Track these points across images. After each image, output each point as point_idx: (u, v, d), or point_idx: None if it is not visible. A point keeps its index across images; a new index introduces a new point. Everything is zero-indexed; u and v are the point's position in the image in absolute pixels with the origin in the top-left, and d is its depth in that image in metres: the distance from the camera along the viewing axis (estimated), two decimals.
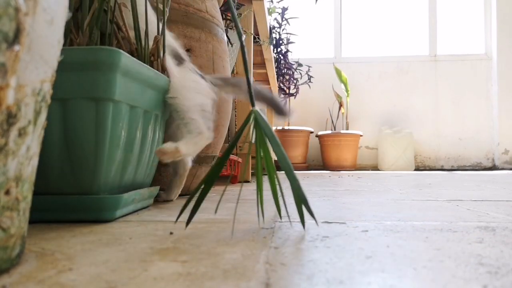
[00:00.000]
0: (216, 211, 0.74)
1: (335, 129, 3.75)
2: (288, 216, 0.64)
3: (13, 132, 0.31)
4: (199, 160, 1.08)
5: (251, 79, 0.80)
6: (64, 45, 0.57)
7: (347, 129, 3.73)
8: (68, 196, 0.62)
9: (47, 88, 0.37)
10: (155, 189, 0.84)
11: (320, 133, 3.64)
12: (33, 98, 0.34)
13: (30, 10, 0.31)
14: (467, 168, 3.76)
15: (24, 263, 0.37)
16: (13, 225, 0.33)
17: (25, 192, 0.35)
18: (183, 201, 0.91)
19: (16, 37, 0.30)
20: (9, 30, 0.29)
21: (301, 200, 0.54)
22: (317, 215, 0.69)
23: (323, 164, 3.68)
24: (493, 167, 3.71)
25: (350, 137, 3.56)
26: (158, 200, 0.93)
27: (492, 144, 3.74)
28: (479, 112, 3.77)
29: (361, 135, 3.63)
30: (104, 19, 0.82)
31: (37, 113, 0.35)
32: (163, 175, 1.03)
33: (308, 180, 1.84)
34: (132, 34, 0.83)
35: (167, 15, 0.91)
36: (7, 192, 0.32)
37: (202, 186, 0.55)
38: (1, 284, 0.32)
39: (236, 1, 1.69)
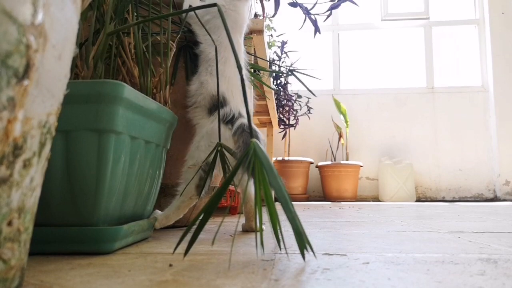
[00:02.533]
0: (213, 243, 0.73)
1: (335, 160, 3.76)
2: (285, 248, 0.64)
3: (18, 164, 0.32)
4: None
5: (251, 111, 0.81)
6: (69, 78, 0.58)
7: (347, 159, 3.73)
8: (68, 228, 0.62)
9: (53, 121, 0.38)
10: (154, 220, 0.84)
11: (320, 163, 3.64)
12: (39, 130, 0.35)
13: (40, 47, 0.32)
14: (468, 199, 3.73)
15: None
16: (14, 256, 0.33)
17: (27, 223, 0.35)
18: (182, 233, 0.90)
19: (25, 73, 0.31)
20: (20, 66, 0.30)
21: (299, 232, 0.53)
22: (318, 246, 0.68)
23: (323, 195, 3.66)
24: (495, 198, 3.69)
25: (350, 167, 3.55)
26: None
27: (492, 175, 3.73)
28: (478, 143, 3.79)
29: (361, 166, 3.63)
30: (109, 53, 0.85)
31: (42, 145, 0.36)
32: (163, 207, 1.02)
33: (309, 211, 1.83)
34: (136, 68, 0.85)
35: None
36: (10, 223, 0.32)
37: (201, 217, 0.55)
38: None
39: None
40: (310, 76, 1.22)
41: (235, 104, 0.93)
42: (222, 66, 0.94)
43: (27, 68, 0.31)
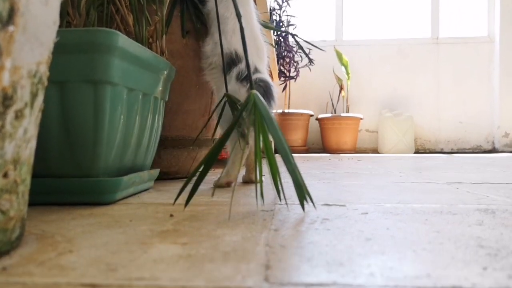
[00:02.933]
0: (213, 194, 0.74)
1: (335, 112, 3.74)
2: (285, 199, 0.64)
3: (10, 115, 0.31)
4: (199, 143, 1.08)
5: (251, 61, 0.79)
6: (60, 26, 0.56)
7: (347, 112, 3.72)
8: (68, 179, 0.62)
9: (43, 70, 0.36)
10: (155, 172, 0.84)
11: (320, 116, 3.63)
12: (29, 80, 0.33)
13: None
14: (467, 151, 3.76)
15: (25, 246, 0.38)
16: (12, 207, 0.33)
17: (24, 175, 0.35)
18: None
19: (10, 18, 0.29)
20: (3, 10, 0.29)
21: (298, 183, 0.53)
22: (317, 197, 0.69)
23: (323, 147, 3.68)
24: (493, 150, 3.71)
25: (350, 120, 3.54)
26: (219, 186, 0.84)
27: (492, 127, 3.73)
28: (480, 95, 3.75)
29: (361, 118, 3.62)
30: (102, 0, 0.81)
31: (33, 96, 0.35)
32: (163, 158, 1.03)
33: (308, 163, 1.85)
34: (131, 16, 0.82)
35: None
36: (5, 175, 0.32)
37: (201, 168, 0.55)
38: (1, 266, 0.32)
39: None
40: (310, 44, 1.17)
41: (250, 59, 0.89)
42: (233, 21, 0.90)
43: (11, 12, 0.29)
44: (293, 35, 1.30)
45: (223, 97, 0.80)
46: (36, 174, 0.44)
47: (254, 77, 0.84)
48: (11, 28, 0.30)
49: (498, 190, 0.80)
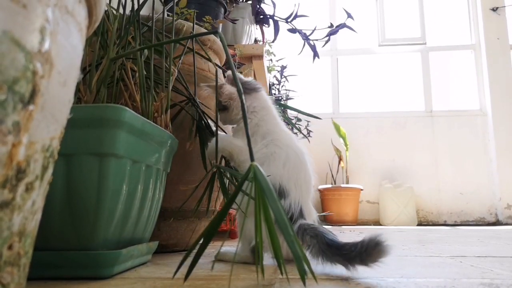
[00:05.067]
0: (212, 267, 0.73)
1: (335, 183, 3.75)
2: (286, 273, 0.63)
3: (21, 187, 0.32)
4: (199, 214, 1.08)
5: (298, 200, 0.78)
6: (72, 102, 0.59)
7: (347, 183, 3.72)
8: (67, 252, 0.61)
9: (56, 145, 0.38)
10: (154, 245, 0.83)
11: (320, 187, 3.63)
12: (42, 154, 0.35)
13: (46, 73, 0.33)
14: (470, 223, 3.70)
15: None
16: (13, 281, 0.33)
17: (27, 247, 0.35)
18: (181, 257, 0.89)
19: (31, 98, 0.32)
20: (26, 91, 0.31)
21: (298, 256, 0.53)
22: (319, 270, 0.68)
23: (324, 218, 3.63)
24: (497, 222, 3.65)
25: (350, 191, 3.54)
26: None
27: (494, 199, 3.71)
28: (478, 166, 3.79)
29: (361, 189, 3.62)
30: (112, 78, 0.86)
31: (44, 169, 0.36)
32: (162, 230, 1.02)
33: None
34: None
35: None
36: (10, 247, 0.32)
37: (201, 241, 0.54)
38: None
39: (237, 60, 1.77)
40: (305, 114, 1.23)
41: (296, 199, 0.77)
42: (285, 153, 0.81)
43: (33, 93, 0.32)
44: (292, 109, 1.35)
45: (213, 167, 0.77)
46: (36, 247, 0.44)
47: (297, 225, 0.74)
48: (31, 107, 0.32)
49: (502, 264, 0.78)
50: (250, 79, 0.94)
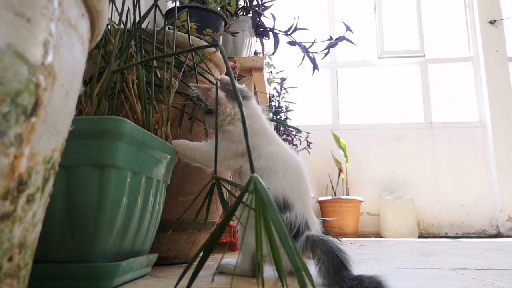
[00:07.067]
0: (213, 280, 0.72)
1: (335, 195, 3.74)
2: (287, 286, 0.63)
3: (22, 199, 0.32)
4: (198, 226, 1.07)
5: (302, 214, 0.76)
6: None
7: (347, 194, 3.71)
8: (66, 264, 0.61)
9: (57, 156, 0.39)
10: (153, 257, 0.83)
11: (320, 198, 3.62)
12: (44, 166, 0.35)
13: (49, 86, 0.34)
14: (471, 235, 3.68)
15: None
16: None
17: (27, 259, 0.35)
18: (181, 270, 0.89)
19: (34, 110, 0.32)
20: (28, 104, 0.32)
21: (298, 268, 0.53)
22: (320, 284, 0.67)
23: (324, 230, 3.61)
24: (498, 235, 3.63)
25: (351, 203, 3.53)
26: None
27: (494, 211, 3.70)
28: (478, 178, 3.78)
29: (362, 201, 3.61)
30: (113, 90, 0.87)
31: (45, 180, 0.36)
32: (162, 242, 1.01)
33: None
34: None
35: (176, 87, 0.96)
36: (10, 259, 0.32)
37: (201, 254, 0.54)
38: None
39: (237, 72, 1.78)
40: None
41: (301, 210, 0.76)
42: (282, 164, 0.81)
43: (36, 106, 0.32)
44: (275, 121, 1.36)
45: (212, 179, 0.78)
46: (36, 258, 0.44)
47: (303, 238, 0.73)
48: (33, 119, 0.32)
49: (503, 276, 0.78)
50: (242, 86, 0.94)
